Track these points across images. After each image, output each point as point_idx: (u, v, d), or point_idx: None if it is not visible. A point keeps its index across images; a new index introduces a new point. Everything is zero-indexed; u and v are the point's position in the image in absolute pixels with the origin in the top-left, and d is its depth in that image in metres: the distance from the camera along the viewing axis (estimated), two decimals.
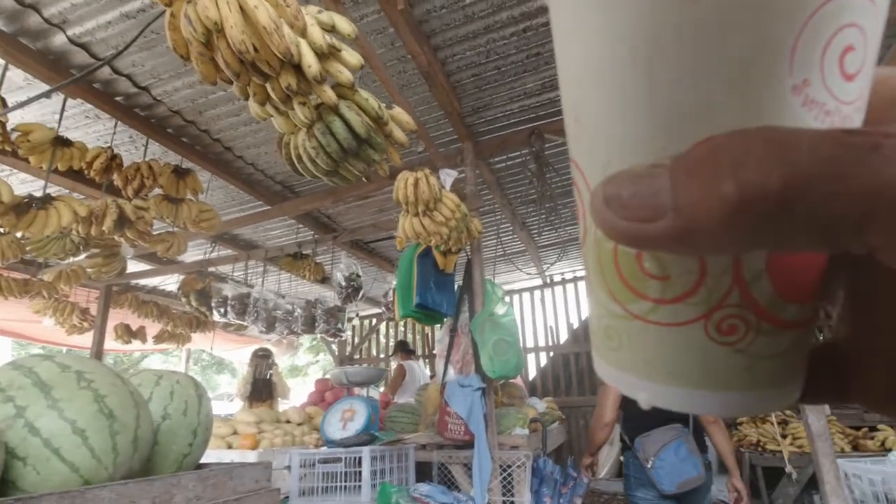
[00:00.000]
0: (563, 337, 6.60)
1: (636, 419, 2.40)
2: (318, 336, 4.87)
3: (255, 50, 1.13)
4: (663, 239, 0.14)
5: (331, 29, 1.34)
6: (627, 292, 0.19)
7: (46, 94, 1.95)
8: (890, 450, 3.27)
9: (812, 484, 3.46)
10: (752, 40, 0.14)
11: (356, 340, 7.69)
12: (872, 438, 3.56)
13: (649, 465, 2.25)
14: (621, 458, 2.91)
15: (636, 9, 0.15)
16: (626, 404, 2.41)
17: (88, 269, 3.82)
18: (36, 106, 2.69)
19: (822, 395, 0.21)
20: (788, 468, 3.47)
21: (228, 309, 4.13)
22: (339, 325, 4.25)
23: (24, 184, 3.46)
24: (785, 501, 3.59)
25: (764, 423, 3.92)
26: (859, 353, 0.20)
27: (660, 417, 2.31)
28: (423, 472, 3.05)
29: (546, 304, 6.86)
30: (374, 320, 7.62)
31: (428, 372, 5.76)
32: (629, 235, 0.15)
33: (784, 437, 3.74)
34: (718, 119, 0.15)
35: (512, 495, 2.72)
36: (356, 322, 7.74)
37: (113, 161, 2.68)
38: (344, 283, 4.05)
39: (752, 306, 0.17)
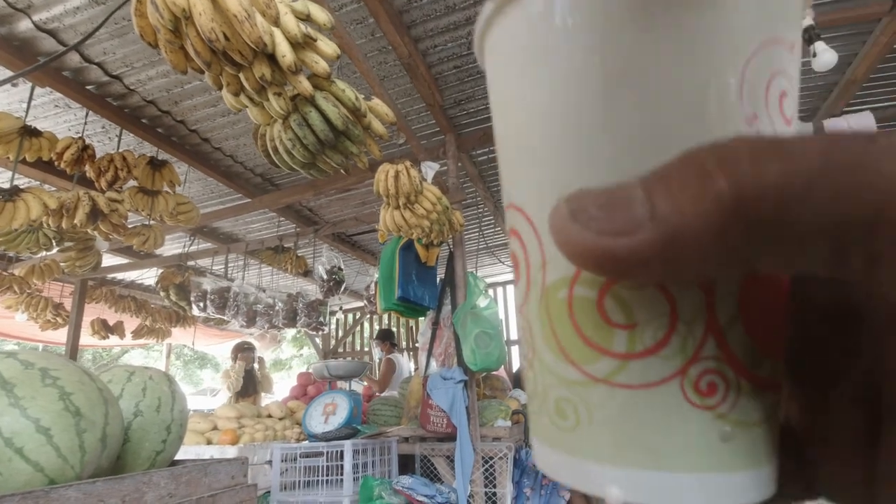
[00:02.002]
0: None
1: None
2: (302, 330, 4.83)
3: (226, 38, 1.10)
4: (640, 256, 0.12)
5: (306, 18, 1.31)
6: (587, 349, 0.16)
7: (10, 80, 1.88)
8: None
9: None
10: (707, 71, 0.15)
11: (340, 334, 7.65)
12: None
13: None
14: None
15: (598, 48, 0.15)
16: None
17: (62, 264, 3.73)
18: (1, 94, 2.60)
19: (787, 486, 0.17)
20: None
21: (208, 303, 4.07)
22: (321, 319, 4.22)
23: None
24: None
25: None
26: (813, 434, 0.18)
27: None
28: (406, 465, 3.05)
29: None
30: (358, 314, 7.59)
31: (412, 364, 5.76)
32: (601, 254, 0.13)
33: None
34: (683, 142, 0.14)
35: (494, 486, 2.74)
36: (340, 316, 7.70)
37: (85, 152, 2.61)
38: (326, 277, 4.02)
39: (729, 359, 0.15)
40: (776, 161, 0.11)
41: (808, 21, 2.13)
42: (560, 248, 0.14)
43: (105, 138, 3.14)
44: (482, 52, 0.19)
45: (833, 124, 2.73)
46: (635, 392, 0.15)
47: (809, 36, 2.12)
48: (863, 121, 2.69)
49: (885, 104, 3.13)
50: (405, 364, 4.85)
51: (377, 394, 4.24)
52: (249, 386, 4.81)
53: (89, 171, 2.65)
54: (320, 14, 1.33)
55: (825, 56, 2.10)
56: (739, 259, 0.12)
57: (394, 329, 6.56)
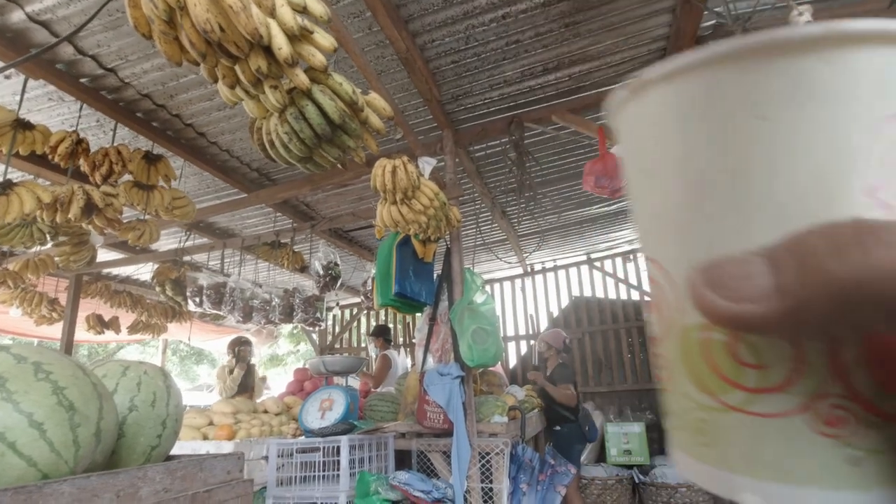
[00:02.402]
0: (544, 325, 6.67)
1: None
2: (298, 325, 4.81)
3: (222, 30, 1.09)
4: (766, 321, 0.15)
5: (302, 10, 1.29)
6: (721, 382, 0.19)
7: (1, 71, 1.86)
8: None
9: None
10: (828, 151, 0.16)
11: (337, 330, 7.64)
12: None
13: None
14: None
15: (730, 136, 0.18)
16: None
17: (56, 258, 3.70)
18: None
19: None
20: None
21: (204, 298, 4.05)
22: (318, 315, 4.21)
23: None
24: None
25: None
26: None
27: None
28: (403, 461, 3.06)
29: (526, 292, 6.91)
30: (355, 310, 7.58)
31: (409, 361, 5.75)
32: (732, 318, 0.15)
33: None
34: (806, 214, 0.16)
35: (490, 482, 2.75)
36: (336, 311, 7.69)
37: (79, 146, 2.58)
38: (322, 272, 4.00)
39: (854, 397, 0.17)
40: (886, 247, 0.13)
41: (807, 18, 2.13)
42: (698, 311, 0.16)
43: (100, 132, 3.11)
44: (616, 126, 0.23)
45: None
46: (765, 420, 0.18)
47: None
48: None
49: None
50: (401, 360, 4.84)
51: (373, 389, 4.24)
52: (247, 382, 4.79)
53: (84, 166, 2.63)
54: (317, 6, 1.32)
55: None
56: (853, 326, 0.14)
57: (390, 325, 6.55)
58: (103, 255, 4.97)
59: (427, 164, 2.80)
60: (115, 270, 5.64)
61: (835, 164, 0.16)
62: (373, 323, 7.39)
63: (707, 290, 0.16)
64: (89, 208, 2.51)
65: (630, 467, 4.60)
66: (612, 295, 6.40)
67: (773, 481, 0.18)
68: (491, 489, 2.74)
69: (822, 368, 0.17)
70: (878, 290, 0.13)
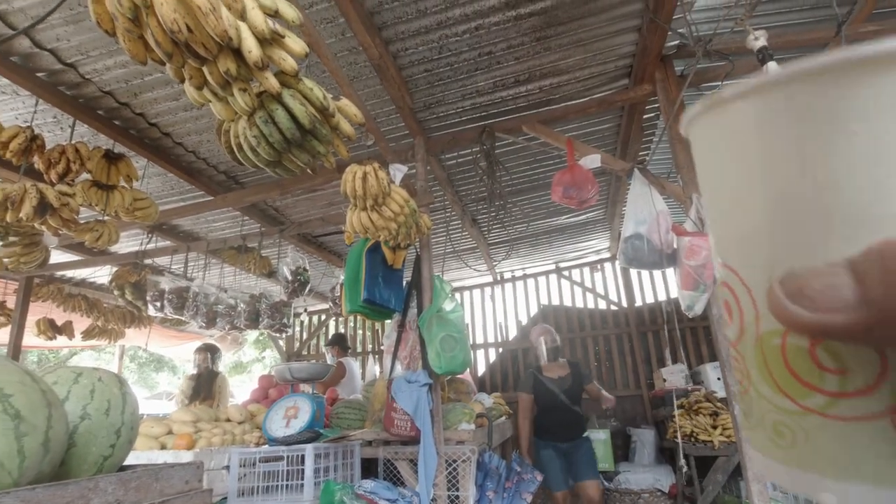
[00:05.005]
0: (513, 333, 6.73)
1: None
2: (264, 332, 4.71)
3: (189, 30, 1.07)
4: (850, 329, 0.15)
5: (273, 14, 1.29)
6: (800, 387, 0.19)
7: None
8: None
9: (738, 471, 3.71)
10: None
11: (304, 336, 7.51)
12: None
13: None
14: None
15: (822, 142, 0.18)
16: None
17: (5, 259, 3.51)
18: None
19: None
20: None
21: (165, 303, 3.91)
22: (285, 321, 4.13)
23: None
24: (714, 488, 3.83)
25: (697, 414, 4.16)
26: None
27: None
28: (369, 469, 3.02)
29: (496, 300, 6.96)
30: (323, 316, 7.47)
31: (377, 368, 5.70)
32: (814, 326, 0.16)
33: (714, 427, 3.99)
34: (892, 226, 0.16)
35: (457, 490, 2.74)
36: (304, 318, 7.56)
37: (34, 142, 2.47)
38: (290, 278, 3.94)
39: None
40: None
41: (762, 42, 2.25)
42: (779, 321, 0.17)
43: (56, 129, 2.99)
44: (691, 137, 0.23)
45: None
46: (847, 423, 0.18)
47: (763, 56, 2.23)
48: None
49: None
50: (356, 368, 4.84)
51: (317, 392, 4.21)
52: (205, 388, 4.65)
53: (38, 163, 2.51)
54: (289, 10, 1.31)
55: None
56: None
57: (349, 333, 6.49)
58: (58, 256, 4.75)
59: (398, 171, 2.80)
60: (69, 273, 5.39)
61: None
62: (341, 329, 7.31)
63: (789, 301, 0.16)
64: (43, 208, 2.40)
65: None
66: (579, 304, 6.52)
67: (851, 482, 0.18)
68: (457, 497, 2.73)
69: None
70: None
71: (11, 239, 3.18)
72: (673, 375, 4.84)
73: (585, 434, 3.74)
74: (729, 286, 0.21)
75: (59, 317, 5.47)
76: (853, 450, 0.18)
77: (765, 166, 0.19)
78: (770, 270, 0.19)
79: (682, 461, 3.72)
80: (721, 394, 4.28)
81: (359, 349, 7.34)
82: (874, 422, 0.17)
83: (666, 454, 4.85)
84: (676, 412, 4.14)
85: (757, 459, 0.22)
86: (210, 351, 4.90)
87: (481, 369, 6.67)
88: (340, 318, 7.11)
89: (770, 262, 0.19)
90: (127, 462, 1.30)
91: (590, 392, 3.78)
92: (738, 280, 0.21)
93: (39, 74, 2.51)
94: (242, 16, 1.17)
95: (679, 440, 3.87)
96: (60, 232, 2.68)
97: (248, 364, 14.68)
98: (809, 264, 0.17)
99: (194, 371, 4.86)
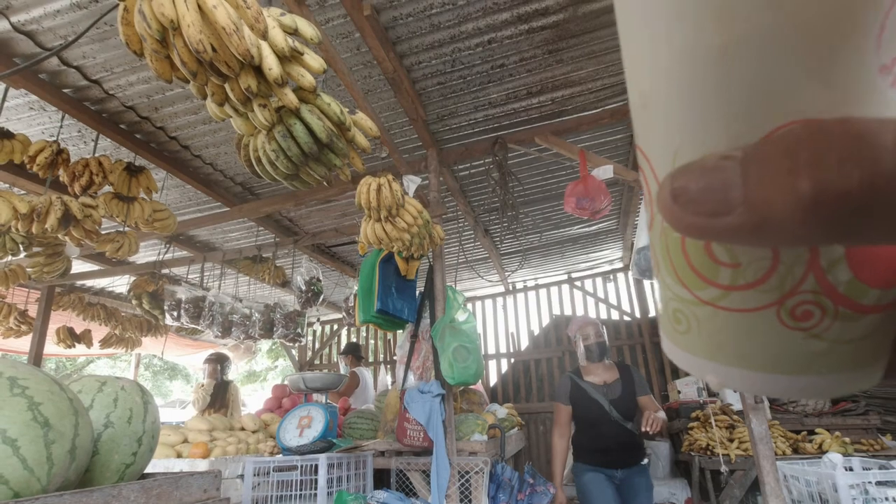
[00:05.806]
0: (525, 344, 6.69)
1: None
2: (278, 341, 4.75)
3: (214, 50, 1.11)
4: (733, 233, 0.14)
5: (293, 32, 1.33)
6: (696, 279, 0.19)
7: None
8: (826, 452, 3.47)
9: (756, 486, 3.63)
10: (837, 21, 0.13)
11: (317, 346, 7.55)
12: (811, 441, 3.77)
13: None
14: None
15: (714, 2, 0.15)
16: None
17: (29, 269, 3.61)
18: None
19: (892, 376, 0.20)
20: (724, 468, 3.64)
21: (182, 312, 3.98)
22: (299, 330, 4.17)
23: None
24: (731, 502, 3.75)
25: (711, 427, 4.09)
26: None
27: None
28: (382, 479, 3.02)
29: (508, 311, 6.94)
30: (336, 326, 7.51)
31: (389, 378, 5.71)
32: (697, 229, 0.15)
33: (731, 441, 3.91)
34: (799, 105, 0.14)
35: (469, 501, 2.73)
36: (317, 327, 7.61)
37: (59, 156, 2.55)
38: (304, 288, 3.98)
39: (829, 293, 0.17)
40: (861, 164, 0.12)
41: None
42: (666, 222, 0.16)
43: (80, 142, 3.08)
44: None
45: None
46: (735, 314, 0.19)
47: None
48: None
49: None
50: (370, 378, 4.85)
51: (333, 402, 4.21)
52: (220, 398, 4.69)
53: (63, 176, 2.59)
54: (308, 29, 1.35)
55: None
56: (824, 239, 0.13)
57: (362, 343, 6.51)
58: (78, 266, 4.86)
59: (411, 182, 2.83)
60: (89, 282, 5.50)
61: (854, 39, 0.14)
62: (354, 338, 7.33)
63: (673, 203, 0.15)
64: (67, 219, 2.47)
65: None
66: (592, 314, 6.47)
67: (734, 366, 0.19)
68: None
69: (797, 268, 0.17)
70: (846, 213, 0.12)
71: (35, 249, 3.26)
72: (688, 387, 4.77)
73: (645, 461, 2.72)
74: (642, 169, 0.20)
75: (78, 325, 5.58)
76: (736, 337, 0.19)
77: (683, 35, 0.16)
78: (674, 157, 0.17)
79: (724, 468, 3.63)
80: (737, 406, 4.20)
81: (371, 359, 7.36)
82: (759, 312, 0.18)
83: (681, 467, 4.76)
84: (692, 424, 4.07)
85: (664, 344, 0.23)
86: (220, 361, 4.95)
87: (493, 380, 6.64)
88: (353, 328, 7.15)
89: (672, 148, 0.17)
90: (146, 470, 1.32)
91: (643, 405, 2.69)
92: (647, 164, 0.19)
93: (66, 90, 2.59)
94: (264, 35, 1.21)
95: (694, 453, 3.80)
96: (83, 243, 2.75)
97: (262, 373, 14.77)
98: (706, 152, 0.15)
99: (204, 381, 4.90)
